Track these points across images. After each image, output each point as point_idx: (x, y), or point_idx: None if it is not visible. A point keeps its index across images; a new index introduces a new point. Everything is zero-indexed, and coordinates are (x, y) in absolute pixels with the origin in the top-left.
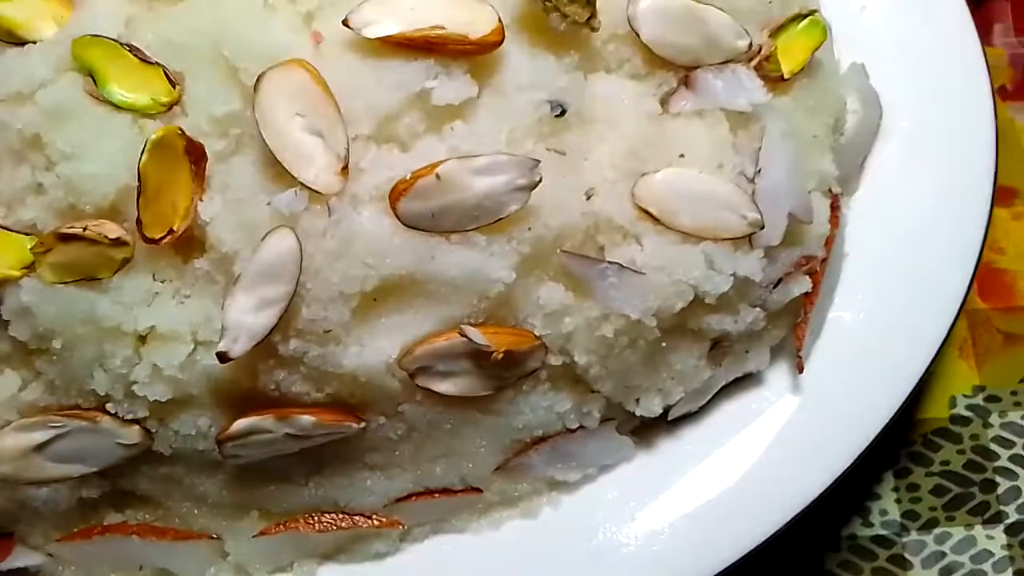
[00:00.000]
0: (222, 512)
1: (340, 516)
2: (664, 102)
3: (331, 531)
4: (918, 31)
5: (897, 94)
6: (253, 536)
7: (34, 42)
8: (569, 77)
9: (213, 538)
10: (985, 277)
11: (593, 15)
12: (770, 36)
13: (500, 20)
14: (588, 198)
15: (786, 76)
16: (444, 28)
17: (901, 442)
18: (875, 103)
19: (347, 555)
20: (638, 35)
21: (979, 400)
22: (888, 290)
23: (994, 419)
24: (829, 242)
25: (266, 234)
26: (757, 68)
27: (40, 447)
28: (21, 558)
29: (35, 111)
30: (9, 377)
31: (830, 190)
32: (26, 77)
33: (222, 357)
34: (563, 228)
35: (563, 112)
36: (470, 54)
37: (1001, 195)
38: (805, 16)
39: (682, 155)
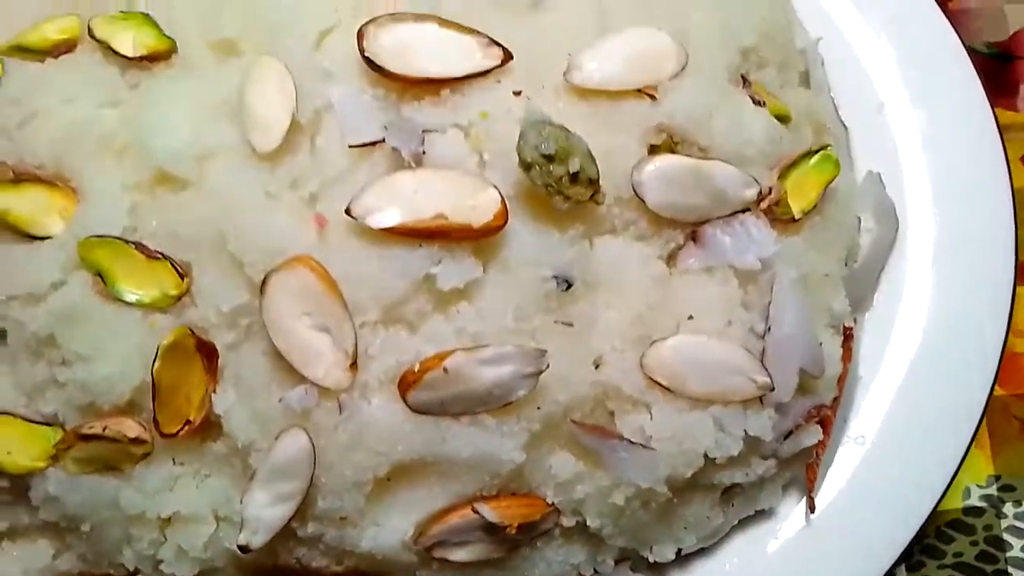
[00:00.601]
0: None
1: None
2: (671, 257)
3: None
4: (934, 130)
5: (913, 197)
6: None
7: (42, 238)
8: (575, 249)
9: None
10: (1003, 362)
11: (596, 191)
12: (780, 177)
13: (503, 201)
14: (596, 367)
15: (797, 217)
16: (447, 218)
17: (914, 536)
18: (891, 216)
19: None
20: (643, 201)
21: (993, 490)
22: (902, 413)
23: (1008, 509)
24: (841, 380)
25: (279, 433)
26: (767, 211)
27: None
28: None
29: (47, 313)
30: (42, 547)
31: (845, 325)
32: (36, 279)
33: (243, 549)
34: (572, 400)
35: (569, 286)
36: (474, 239)
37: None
38: (817, 151)
39: (691, 316)
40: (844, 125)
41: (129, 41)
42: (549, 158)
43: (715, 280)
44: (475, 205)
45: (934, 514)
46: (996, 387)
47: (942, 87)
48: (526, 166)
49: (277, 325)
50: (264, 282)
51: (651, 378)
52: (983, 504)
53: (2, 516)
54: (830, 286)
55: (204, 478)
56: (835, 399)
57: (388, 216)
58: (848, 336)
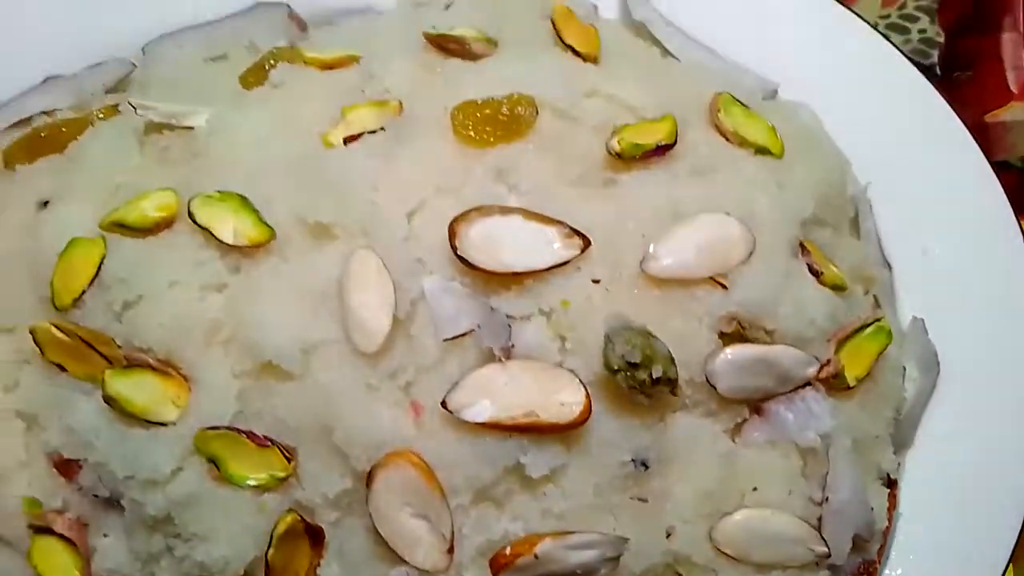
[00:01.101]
0: None
1: None
2: (736, 429)
3: None
4: (977, 276)
5: (954, 340)
6: None
7: (157, 423)
8: (651, 433)
9: None
10: None
11: (674, 387)
12: (837, 350)
13: (588, 397)
14: (668, 536)
15: (852, 385)
16: (537, 416)
17: None
18: (933, 364)
19: None
20: (714, 387)
21: None
22: (940, 553)
23: None
24: (886, 531)
25: None
26: (824, 381)
27: None
28: None
29: (165, 497)
30: None
31: (888, 475)
32: (155, 467)
33: None
34: (646, 569)
35: (646, 467)
36: (560, 431)
37: None
38: (871, 324)
39: (755, 488)
40: (888, 265)
41: (230, 229)
42: (635, 365)
43: (777, 453)
44: (563, 402)
45: None
46: None
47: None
48: (612, 371)
49: (381, 514)
50: (370, 476)
51: (718, 548)
52: None
53: None
54: (880, 446)
55: None
56: (880, 547)
57: (481, 411)
58: (893, 485)
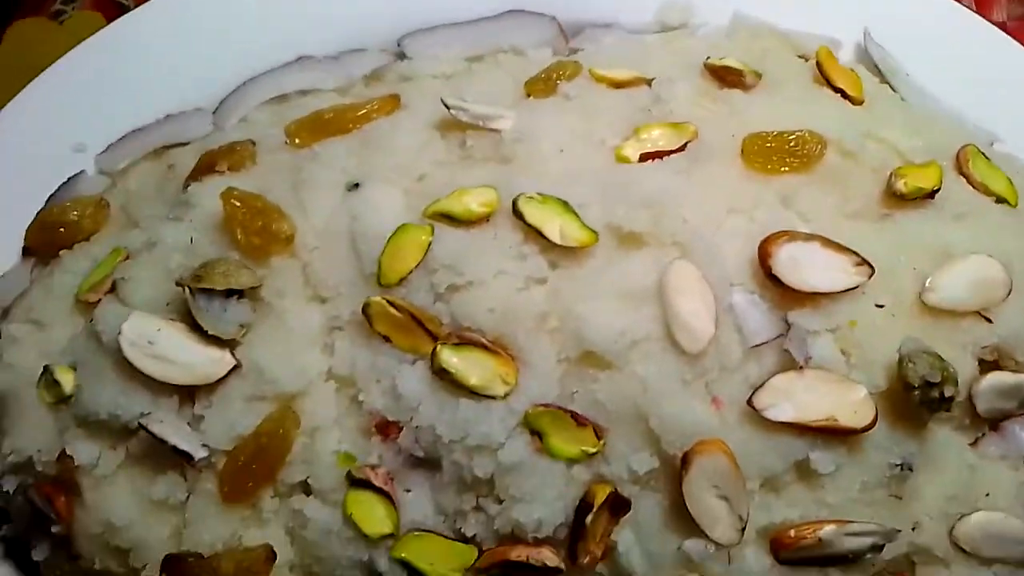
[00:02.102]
0: None
1: None
2: (975, 443)
3: None
4: None
5: None
6: None
7: (487, 396)
8: (916, 442)
9: None
10: None
11: (951, 407)
12: None
13: (876, 409)
14: (914, 529)
15: None
16: (836, 420)
17: None
18: None
19: None
20: (974, 406)
21: None
22: None
23: None
24: None
25: (680, 573)
26: None
27: None
28: None
29: (493, 462)
30: None
31: None
32: (487, 436)
33: None
34: (892, 559)
35: (911, 471)
36: (849, 436)
37: None
38: None
39: (987, 494)
40: None
41: (557, 230)
42: (931, 384)
43: (1007, 465)
44: (856, 410)
45: None
46: None
47: None
48: (910, 387)
49: (691, 493)
50: (686, 459)
51: (956, 544)
52: None
53: None
54: None
55: None
56: None
57: (783, 412)
58: None
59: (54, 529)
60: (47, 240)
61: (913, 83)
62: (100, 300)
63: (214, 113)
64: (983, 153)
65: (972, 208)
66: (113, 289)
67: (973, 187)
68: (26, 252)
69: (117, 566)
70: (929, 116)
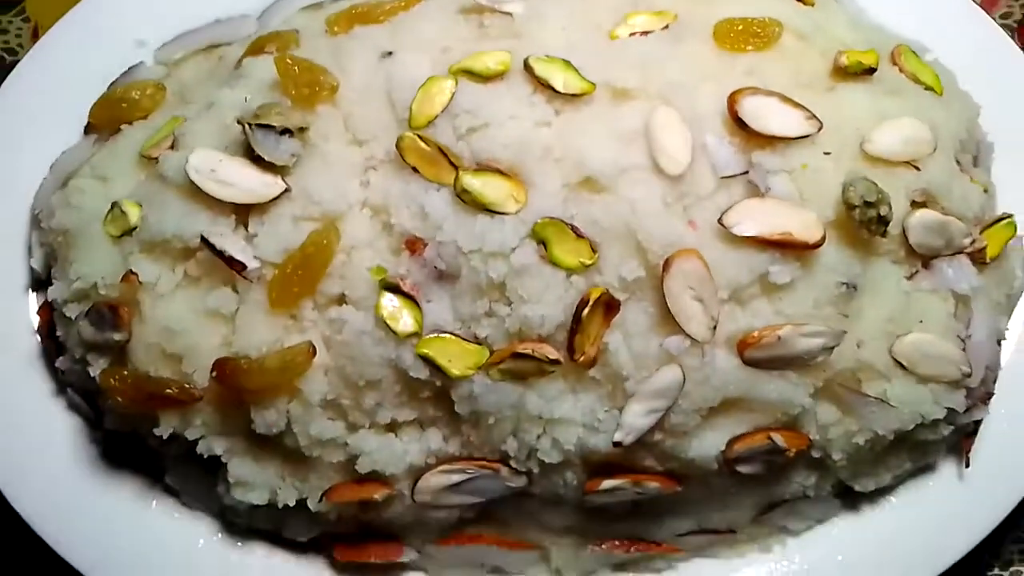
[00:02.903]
0: (552, 531)
1: (641, 543)
2: (911, 277)
3: (632, 552)
4: None
5: None
6: (576, 550)
7: (501, 213)
8: (860, 265)
9: (540, 548)
10: None
11: (886, 232)
12: (981, 232)
13: (824, 228)
14: (859, 346)
15: (987, 261)
16: (791, 234)
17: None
18: None
19: (634, 568)
20: (907, 238)
21: None
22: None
23: None
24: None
25: (659, 367)
26: (972, 256)
27: (453, 485)
28: (407, 555)
29: (504, 266)
30: (434, 433)
31: (999, 339)
32: (500, 243)
33: (616, 445)
34: (841, 369)
35: (855, 290)
36: (800, 250)
37: None
38: (1005, 218)
39: (921, 321)
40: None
41: (561, 82)
42: (869, 204)
43: (938, 297)
44: (808, 228)
45: None
46: None
47: None
48: (850, 207)
49: (671, 292)
50: (667, 263)
51: (895, 359)
52: None
53: (417, 410)
54: (1000, 311)
55: (577, 394)
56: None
57: (748, 228)
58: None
59: (115, 337)
60: (109, 115)
61: (857, 4)
62: (162, 154)
63: (258, 19)
64: (914, 52)
65: (904, 89)
66: (174, 146)
67: (905, 76)
68: (89, 129)
69: (171, 372)
70: (869, 24)
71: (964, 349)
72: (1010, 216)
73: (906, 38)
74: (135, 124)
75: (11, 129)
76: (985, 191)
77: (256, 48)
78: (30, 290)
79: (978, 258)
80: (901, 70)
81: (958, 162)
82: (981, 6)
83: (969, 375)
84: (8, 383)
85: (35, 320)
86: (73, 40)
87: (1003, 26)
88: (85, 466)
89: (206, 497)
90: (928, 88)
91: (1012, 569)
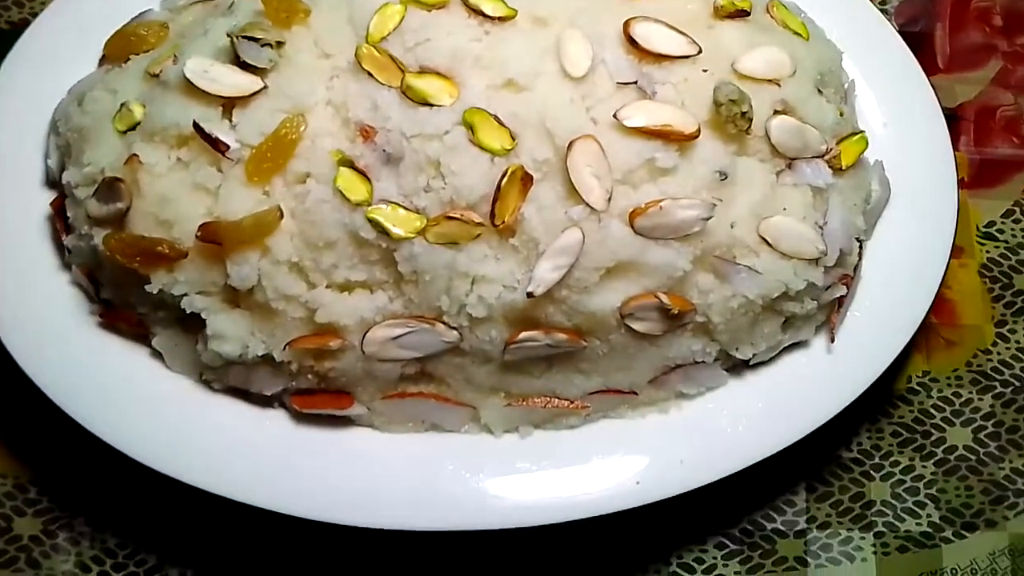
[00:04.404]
0: (482, 390)
1: (553, 400)
2: (777, 175)
3: (548, 408)
4: (917, 145)
5: (897, 181)
6: (502, 407)
7: (436, 106)
8: (731, 158)
9: (472, 408)
10: (937, 304)
11: (749, 128)
12: (837, 143)
13: (699, 125)
14: (732, 226)
15: (843, 168)
16: (671, 126)
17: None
18: (887, 187)
19: (551, 424)
20: (769, 138)
21: (926, 380)
22: (883, 298)
23: (933, 393)
24: (856, 267)
25: (564, 229)
26: (829, 162)
27: (396, 338)
28: (355, 409)
29: (439, 146)
30: (381, 295)
31: (859, 238)
32: (436, 128)
33: (530, 295)
34: (717, 242)
35: (726, 177)
36: (680, 141)
37: (954, 252)
38: (857, 133)
39: (784, 208)
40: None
41: (491, 7)
42: (733, 102)
43: (799, 191)
44: (686, 123)
45: (889, 389)
46: (933, 318)
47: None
48: (718, 105)
49: (574, 167)
50: (570, 146)
51: (762, 237)
52: (918, 388)
53: (367, 272)
54: (857, 212)
55: (499, 259)
56: (851, 276)
57: (637, 120)
58: (861, 244)
59: (118, 206)
60: (120, 47)
61: None
62: (164, 68)
63: None
64: (785, 5)
65: (774, 30)
66: (175, 63)
67: (775, 22)
68: (102, 61)
69: (163, 235)
70: None
71: (822, 234)
72: (861, 132)
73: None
74: (142, 55)
75: (39, 63)
76: (841, 115)
77: None
78: (45, 187)
79: (834, 164)
80: (772, 18)
81: (820, 92)
82: None
83: (825, 254)
84: (22, 258)
85: (48, 210)
86: None
87: (881, 11)
88: (84, 328)
89: (187, 360)
90: (796, 34)
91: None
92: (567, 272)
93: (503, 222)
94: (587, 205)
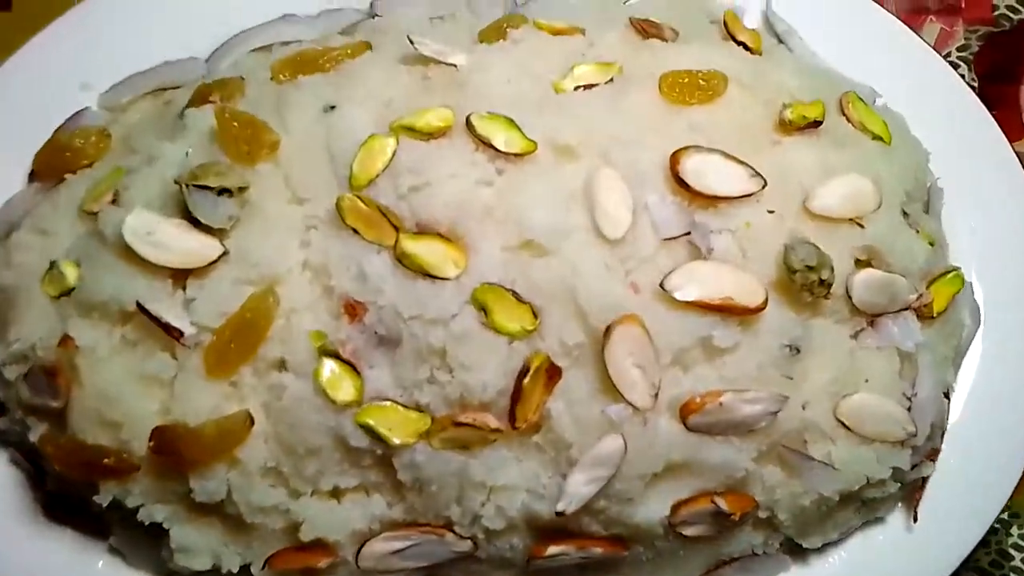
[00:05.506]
0: None
1: None
2: (855, 335)
3: None
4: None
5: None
6: None
7: (441, 278)
8: (803, 326)
9: None
10: None
11: (828, 293)
12: (928, 287)
13: (767, 293)
14: (804, 407)
15: (934, 315)
16: (733, 299)
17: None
18: (977, 316)
19: None
20: (850, 298)
21: (1006, 516)
22: (970, 454)
23: (1014, 530)
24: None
25: (602, 435)
26: (918, 310)
27: (398, 551)
28: None
29: (444, 333)
30: (378, 500)
31: (947, 393)
32: (441, 310)
33: (559, 515)
34: (786, 430)
35: (798, 352)
36: (742, 315)
37: None
38: (951, 271)
39: (867, 380)
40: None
41: (502, 140)
42: (810, 268)
43: (884, 356)
44: (750, 292)
45: None
46: None
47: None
48: (791, 271)
49: (612, 359)
50: (608, 330)
51: (840, 420)
52: (997, 525)
53: (360, 476)
54: (947, 365)
55: (521, 461)
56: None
57: (689, 292)
58: (948, 398)
59: (53, 404)
60: (53, 164)
61: (806, 46)
62: (102, 209)
63: (207, 61)
64: (862, 99)
65: (851, 140)
66: (115, 200)
67: (852, 126)
68: (32, 177)
69: (109, 440)
70: (817, 69)
71: (910, 408)
72: (956, 269)
73: (855, 82)
74: (79, 173)
75: None
76: (931, 244)
77: (200, 96)
78: None
79: (924, 313)
80: (848, 119)
81: (905, 214)
82: (937, 40)
83: (914, 435)
84: None
85: None
86: (18, 83)
87: (960, 58)
88: (28, 522)
89: (152, 559)
90: (876, 137)
91: None
92: (606, 483)
93: (525, 423)
94: (628, 403)
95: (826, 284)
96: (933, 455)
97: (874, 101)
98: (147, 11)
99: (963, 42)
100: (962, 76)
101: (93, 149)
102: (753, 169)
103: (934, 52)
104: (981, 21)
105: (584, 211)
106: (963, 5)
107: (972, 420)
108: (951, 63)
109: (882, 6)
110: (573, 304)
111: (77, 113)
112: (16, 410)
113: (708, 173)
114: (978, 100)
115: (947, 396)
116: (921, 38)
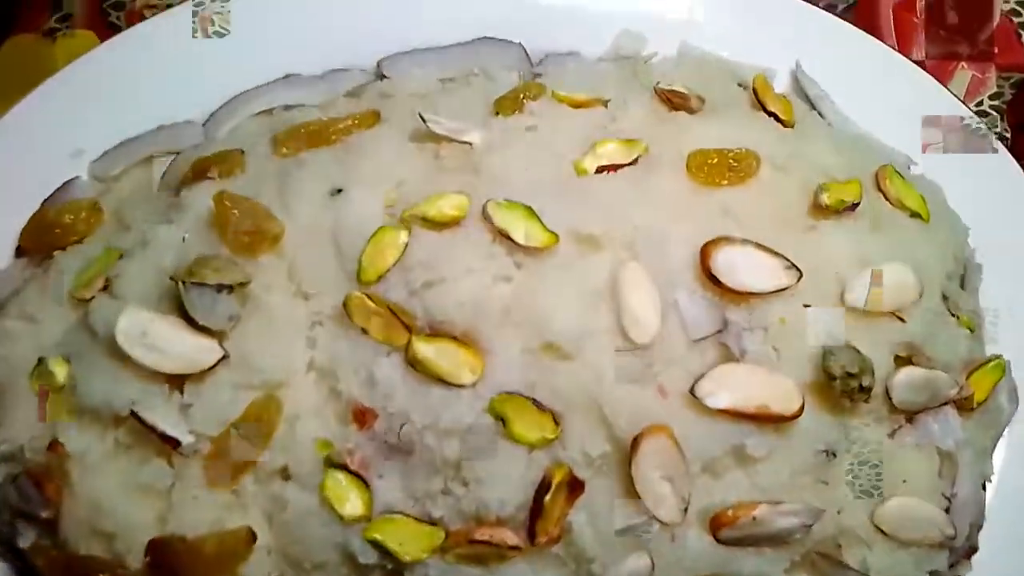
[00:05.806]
0: None
1: None
2: (892, 434)
3: None
4: None
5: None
6: None
7: (456, 385)
8: (840, 430)
9: None
10: None
11: (868, 397)
12: (968, 377)
13: (803, 399)
14: (839, 512)
15: (974, 407)
16: (768, 407)
17: None
18: (1015, 397)
19: None
20: (890, 398)
21: None
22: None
23: None
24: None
25: (629, 552)
26: (958, 404)
27: None
28: None
29: (459, 444)
30: None
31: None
32: (455, 420)
33: None
34: (821, 536)
35: (834, 457)
36: (778, 423)
37: None
38: (991, 361)
39: (904, 481)
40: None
41: (522, 232)
42: (851, 375)
43: (923, 455)
44: (785, 399)
45: None
46: None
47: None
48: (830, 376)
49: (639, 475)
50: (635, 442)
51: (877, 526)
52: None
53: None
54: (986, 457)
55: (540, 574)
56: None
57: (721, 399)
58: (984, 489)
59: (42, 514)
60: (42, 241)
61: (838, 110)
62: (94, 297)
63: (204, 125)
64: (899, 172)
65: (888, 221)
66: (107, 286)
67: (890, 203)
68: (20, 252)
69: (102, 551)
70: (852, 139)
71: (948, 509)
72: (998, 357)
73: (891, 150)
74: (68, 250)
75: None
76: (972, 331)
77: (198, 170)
78: None
79: (965, 405)
80: (886, 196)
81: (945, 297)
82: (968, 87)
83: (953, 538)
84: None
85: None
86: (5, 148)
87: (992, 107)
88: None
89: None
90: (914, 215)
91: None
92: None
93: (545, 538)
94: (654, 518)
95: (867, 390)
96: (970, 553)
97: (909, 168)
98: (142, 70)
99: (995, 90)
100: (994, 126)
101: (83, 225)
102: (788, 260)
103: (963, 106)
104: (1015, 67)
105: (609, 311)
106: (996, 50)
107: (1005, 507)
108: (982, 112)
109: (912, 52)
110: (597, 412)
111: (66, 183)
112: (5, 512)
113: (740, 267)
114: (1011, 159)
115: (983, 486)
116: (949, 91)
